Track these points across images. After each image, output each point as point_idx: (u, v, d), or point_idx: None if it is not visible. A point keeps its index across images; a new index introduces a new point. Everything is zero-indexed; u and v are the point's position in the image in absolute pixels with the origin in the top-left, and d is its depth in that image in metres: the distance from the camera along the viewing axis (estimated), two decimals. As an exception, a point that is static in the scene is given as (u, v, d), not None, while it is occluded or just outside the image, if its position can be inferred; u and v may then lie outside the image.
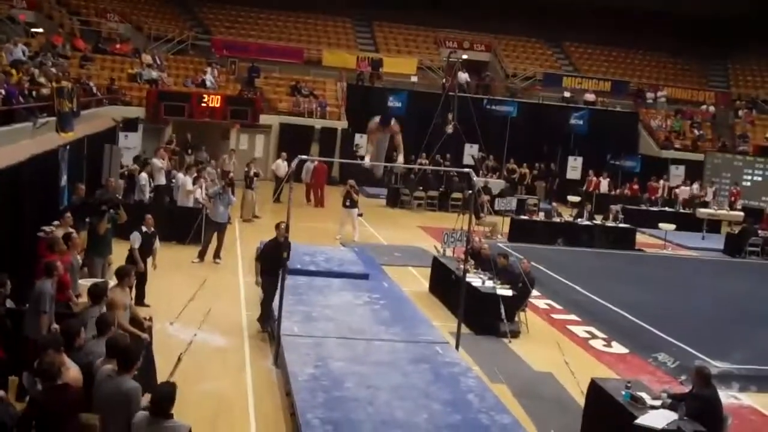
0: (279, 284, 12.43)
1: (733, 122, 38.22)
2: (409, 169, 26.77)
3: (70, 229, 12.39)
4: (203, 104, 29.17)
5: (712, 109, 38.63)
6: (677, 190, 31.41)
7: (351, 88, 35.00)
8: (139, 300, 13.44)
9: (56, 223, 13.25)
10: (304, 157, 13.18)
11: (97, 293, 9.04)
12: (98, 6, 34.74)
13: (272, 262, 13.02)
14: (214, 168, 23.71)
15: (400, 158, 13.48)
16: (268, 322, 13.17)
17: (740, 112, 38.39)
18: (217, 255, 17.87)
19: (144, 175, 20.29)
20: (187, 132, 28.03)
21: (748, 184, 32.48)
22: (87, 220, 14.37)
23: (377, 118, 13.30)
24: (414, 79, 36.21)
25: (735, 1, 39.75)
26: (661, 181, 32.20)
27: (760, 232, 26.01)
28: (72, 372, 7.22)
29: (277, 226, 13.31)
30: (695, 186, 31.47)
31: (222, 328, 13.09)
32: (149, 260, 14.21)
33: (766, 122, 37.31)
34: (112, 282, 10.30)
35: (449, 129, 28.44)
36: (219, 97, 29.93)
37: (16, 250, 12.12)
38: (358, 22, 41.26)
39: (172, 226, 18.35)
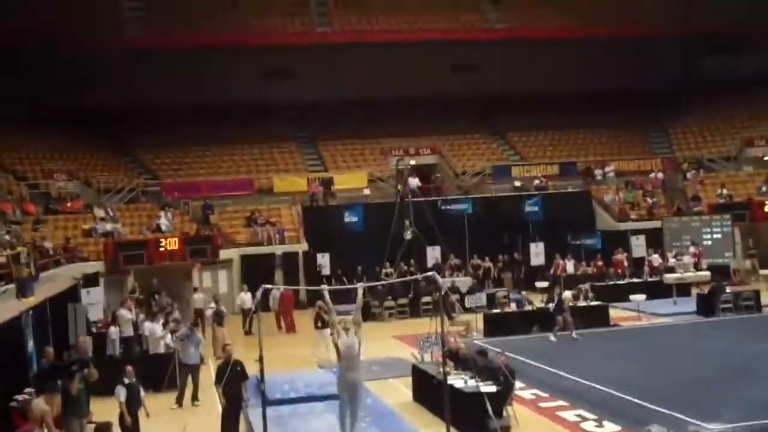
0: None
1: (682, 185, 38.93)
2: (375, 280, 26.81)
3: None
4: (161, 248, 29.11)
5: (660, 175, 39.33)
6: (647, 259, 31.56)
7: (306, 210, 35.27)
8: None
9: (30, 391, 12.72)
10: (268, 286, 13.20)
11: None
12: (44, 168, 34.91)
13: (229, 388, 13.59)
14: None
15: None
16: None
17: (688, 174, 39.15)
18: (194, 397, 17.58)
19: (113, 329, 20.14)
20: (151, 278, 27.86)
21: (709, 243, 32.89)
22: (59, 382, 14.12)
23: None
24: (366, 191, 36.63)
25: (666, 71, 41.25)
26: (624, 254, 32.44)
27: (728, 288, 26.27)
28: None
29: (223, 348, 13.50)
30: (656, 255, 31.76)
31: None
32: (141, 411, 13.96)
33: (715, 180, 38.07)
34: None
35: (408, 235, 28.68)
36: (176, 239, 29.90)
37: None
38: (303, 144, 41.85)
39: (146, 374, 18.02)
